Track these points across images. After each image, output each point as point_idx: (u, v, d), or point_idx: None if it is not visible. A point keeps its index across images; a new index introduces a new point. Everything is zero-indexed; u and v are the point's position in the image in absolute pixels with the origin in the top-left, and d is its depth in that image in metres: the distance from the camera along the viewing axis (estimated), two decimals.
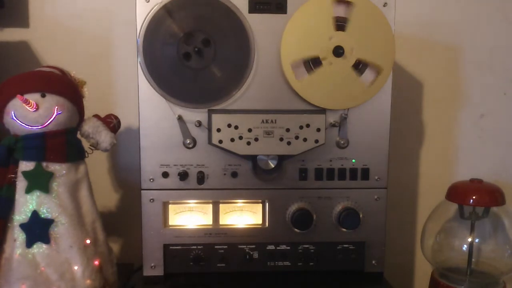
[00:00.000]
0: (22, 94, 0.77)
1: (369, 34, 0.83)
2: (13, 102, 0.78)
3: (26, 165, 0.79)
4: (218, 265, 0.89)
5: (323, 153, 0.87)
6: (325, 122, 0.85)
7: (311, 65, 0.83)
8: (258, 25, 0.82)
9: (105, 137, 0.86)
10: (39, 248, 0.78)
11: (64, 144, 0.81)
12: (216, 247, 0.89)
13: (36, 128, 0.79)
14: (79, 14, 1.07)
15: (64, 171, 0.80)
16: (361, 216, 0.88)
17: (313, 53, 0.82)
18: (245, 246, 0.89)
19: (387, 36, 0.83)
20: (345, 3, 0.81)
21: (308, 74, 0.83)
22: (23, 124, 0.79)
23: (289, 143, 0.84)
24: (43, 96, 0.79)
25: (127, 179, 1.13)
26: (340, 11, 0.82)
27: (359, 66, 0.84)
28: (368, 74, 0.84)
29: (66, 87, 0.82)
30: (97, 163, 1.03)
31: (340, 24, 0.82)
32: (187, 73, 0.82)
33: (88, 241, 0.82)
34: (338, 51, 0.81)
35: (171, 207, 0.88)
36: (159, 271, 0.88)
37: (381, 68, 0.83)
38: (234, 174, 0.87)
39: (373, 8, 0.82)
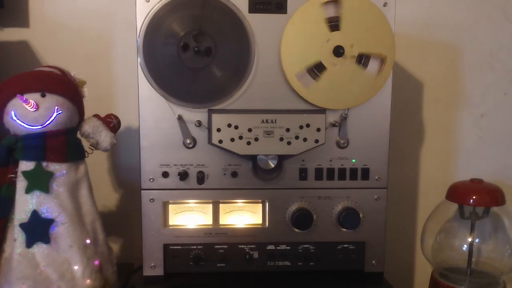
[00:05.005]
0: (22, 94, 0.77)
1: (364, 25, 0.82)
2: (13, 102, 0.78)
3: (26, 165, 0.79)
4: (218, 265, 0.89)
5: (323, 153, 0.87)
6: (325, 122, 0.85)
7: (316, 71, 0.83)
8: (258, 25, 0.82)
9: (105, 137, 0.86)
10: (39, 248, 0.78)
11: (64, 144, 0.81)
12: (216, 247, 0.89)
13: (36, 128, 0.79)
14: (79, 14, 1.07)
15: (64, 171, 0.80)
16: (361, 216, 0.88)
17: (315, 59, 0.82)
18: (245, 246, 0.89)
19: (383, 24, 0.83)
20: (333, 2, 0.81)
21: (315, 80, 0.83)
22: (23, 124, 0.79)
23: (289, 143, 0.84)
24: (43, 96, 0.79)
25: (127, 179, 1.13)
26: (330, 11, 0.81)
27: (362, 60, 0.83)
28: (373, 65, 0.84)
29: (66, 87, 0.82)
30: (97, 163, 1.03)
31: (333, 24, 0.82)
32: (187, 73, 0.82)
33: (88, 241, 0.82)
34: (339, 51, 0.81)
35: (171, 207, 0.88)
36: (159, 271, 0.88)
37: (384, 56, 0.83)
38: (234, 174, 0.87)
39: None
